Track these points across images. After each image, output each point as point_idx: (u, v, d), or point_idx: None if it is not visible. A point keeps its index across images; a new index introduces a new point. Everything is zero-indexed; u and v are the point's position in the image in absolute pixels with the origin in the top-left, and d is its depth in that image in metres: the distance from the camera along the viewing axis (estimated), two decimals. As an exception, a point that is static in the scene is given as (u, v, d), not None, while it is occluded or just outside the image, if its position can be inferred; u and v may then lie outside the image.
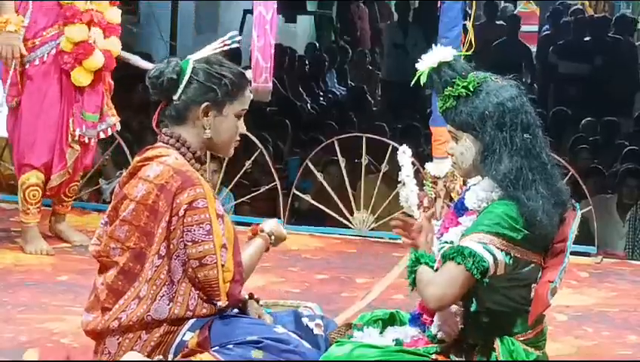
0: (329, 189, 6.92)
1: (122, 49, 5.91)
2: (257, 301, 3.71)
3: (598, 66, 12.04)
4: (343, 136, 7.20)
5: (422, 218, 3.44)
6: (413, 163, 3.69)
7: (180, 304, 3.45)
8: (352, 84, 14.13)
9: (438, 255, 3.36)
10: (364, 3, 15.89)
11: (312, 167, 6.98)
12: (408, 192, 3.57)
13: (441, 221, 3.55)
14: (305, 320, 3.64)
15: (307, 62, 14.12)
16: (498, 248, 3.28)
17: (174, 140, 3.54)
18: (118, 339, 3.47)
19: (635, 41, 13.61)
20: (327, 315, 3.86)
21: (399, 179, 3.61)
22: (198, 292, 3.46)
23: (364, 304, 5.04)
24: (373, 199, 6.69)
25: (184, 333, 3.47)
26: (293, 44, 14.32)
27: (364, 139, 6.84)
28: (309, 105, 12.53)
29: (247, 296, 3.69)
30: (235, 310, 3.60)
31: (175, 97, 3.53)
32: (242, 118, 3.61)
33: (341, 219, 6.80)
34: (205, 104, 3.51)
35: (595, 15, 14.86)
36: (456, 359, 3.41)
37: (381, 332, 3.53)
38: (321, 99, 13.37)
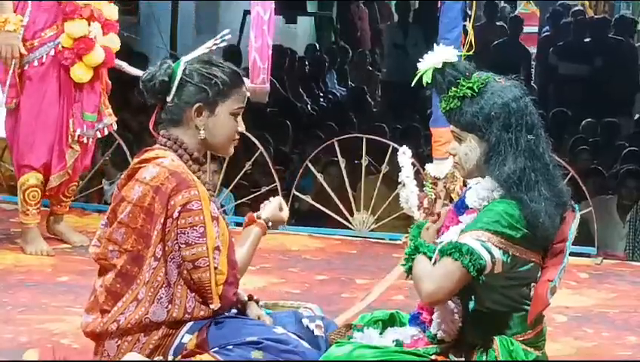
0: (329, 190, 6.92)
1: (122, 48, 5.92)
2: (257, 302, 3.71)
3: (598, 67, 12.05)
4: (343, 136, 7.20)
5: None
6: (413, 164, 3.69)
7: (177, 306, 3.44)
8: (353, 84, 14.12)
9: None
10: (364, 4, 15.89)
11: (312, 167, 6.98)
12: (408, 193, 3.58)
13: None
14: (305, 321, 3.64)
15: (307, 63, 14.12)
16: (496, 246, 3.28)
17: (172, 142, 3.54)
18: (117, 342, 3.47)
19: (635, 42, 13.60)
20: (327, 316, 3.86)
21: (399, 180, 3.61)
22: (194, 294, 3.46)
23: (364, 305, 5.03)
24: (374, 200, 6.69)
25: (182, 336, 3.47)
26: (293, 45, 14.32)
27: (364, 140, 6.84)
28: (309, 105, 12.53)
29: (246, 298, 3.69)
30: (234, 311, 3.60)
31: (169, 99, 3.53)
32: (240, 117, 3.59)
33: (341, 220, 6.80)
34: (197, 105, 3.51)
35: (595, 16, 14.86)
36: (456, 359, 3.42)
37: (381, 333, 3.53)
38: (322, 99, 13.37)
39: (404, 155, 3.62)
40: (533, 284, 3.39)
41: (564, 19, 13.82)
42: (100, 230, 3.59)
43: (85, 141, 5.75)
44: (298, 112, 11.71)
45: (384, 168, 6.72)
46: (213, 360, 3.40)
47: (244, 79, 3.66)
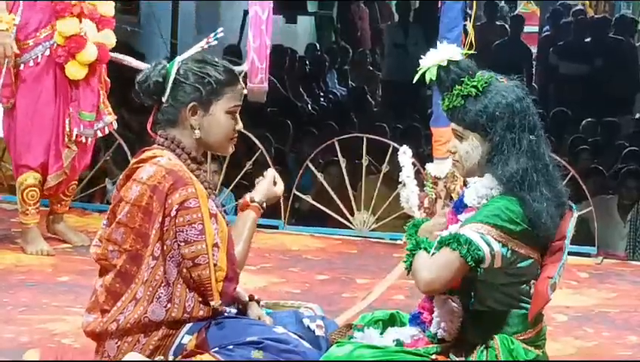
0: (330, 190, 6.92)
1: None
2: (258, 302, 3.71)
3: (598, 67, 12.05)
4: (343, 136, 7.20)
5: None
6: (413, 163, 3.69)
7: (177, 305, 3.44)
8: (353, 84, 14.12)
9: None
10: (364, 3, 15.88)
11: (312, 167, 6.98)
12: (409, 193, 3.58)
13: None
14: (306, 321, 3.64)
15: (308, 63, 14.11)
16: (496, 239, 3.27)
17: (169, 142, 3.53)
18: (117, 343, 3.46)
19: (636, 41, 13.60)
20: (327, 316, 3.86)
21: (400, 180, 3.62)
22: (193, 293, 3.45)
23: (364, 305, 5.04)
24: (374, 200, 6.70)
25: (182, 336, 3.46)
26: (293, 45, 14.31)
27: (364, 139, 6.84)
28: (309, 105, 12.53)
29: (247, 298, 3.69)
30: (234, 311, 3.60)
31: (164, 100, 3.53)
32: (237, 115, 3.58)
33: (342, 219, 6.80)
34: (191, 104, 3.51)
35: (596, 16, 14.86)
36: (456, 359, 3.42)
37: (381, 333, 3.53)
38: (322, 99, 13.37)
39: (405, 155, 3.62)
40: (533, 282, 3.39)
41: (565, 18, 13.82)
42: (101, 230, 3.59)
43: (84, 140, 5.74)
44: (298, 112, 11.70)
45: (384, 168, 6.73)
46: (214, 360, 3.40)
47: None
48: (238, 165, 6.93)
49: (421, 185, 3.64)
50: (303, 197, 7.15)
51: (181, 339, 3.46)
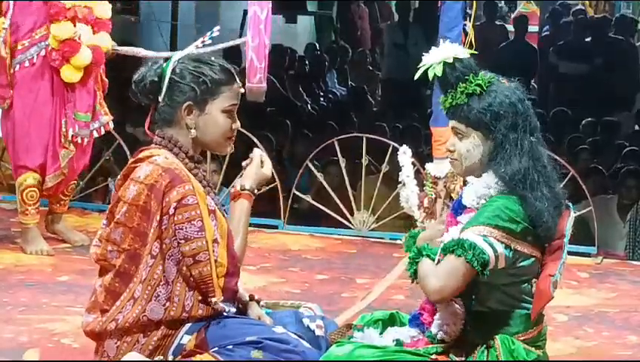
0: (329, 190, 6.92)
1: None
2: (258, 302, 3.71)
3: (598, 67, 12.03)
4: (343, 136, 7.20)
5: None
6: (413, 163, 3.70)
7: (175, 304, 3.43)
8: (353, 84, 14.11)
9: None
10: (364, 3, 15.88)
11: (312, 167, 6.98)
12: (409, 193, 3.58)
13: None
14: (306, 321, 3.63)
15: (307, 63, 14.10)
16: (498, 240, 3.28)
17: (166, 141, 3.53)
18: (116, 343, 3.46)
19: (636, 41, 13.60)
20: (327, 316, 3.86)
21: (399, 180, 3.62)
22: (193, 292, 3.45)
23: (364, 304, 5.04)
24: (374, 199, 6.69)
25: (182, 336, 3.46)
26: (293, 45, 14.31)
27: (364, 139, 6.84)
28: (309, 105, 12.52)
29: (248, 298, 3.69)
30: (234, 311, 3.59)
31: (160, 99, 3.53)
32: (234, 114, 3.56)
33: (341, 219, 6.80)
34: (186, 103, 3.50)
35: (595, 15, 14.85)
36: (456, 359, 3.42)
37: (381, 333, 3.53)
38: (322, 99, 13.36)
39: (405, 155, 3.62)
40: (534, 281, 3.39)
41: (565, 18, 13.80)
42: (100, 230, 3.59)
43: (80, 141, 5.74)
44: (298, 112, 11.69)
45: (384, 168, 6.73)
46: (214, 359, 3.39)
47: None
48: (237, 165, 6.89)
49: (421, 185, 3.65)
50: (303, 197, 7.15)
51: (180, 339, 3.46)
